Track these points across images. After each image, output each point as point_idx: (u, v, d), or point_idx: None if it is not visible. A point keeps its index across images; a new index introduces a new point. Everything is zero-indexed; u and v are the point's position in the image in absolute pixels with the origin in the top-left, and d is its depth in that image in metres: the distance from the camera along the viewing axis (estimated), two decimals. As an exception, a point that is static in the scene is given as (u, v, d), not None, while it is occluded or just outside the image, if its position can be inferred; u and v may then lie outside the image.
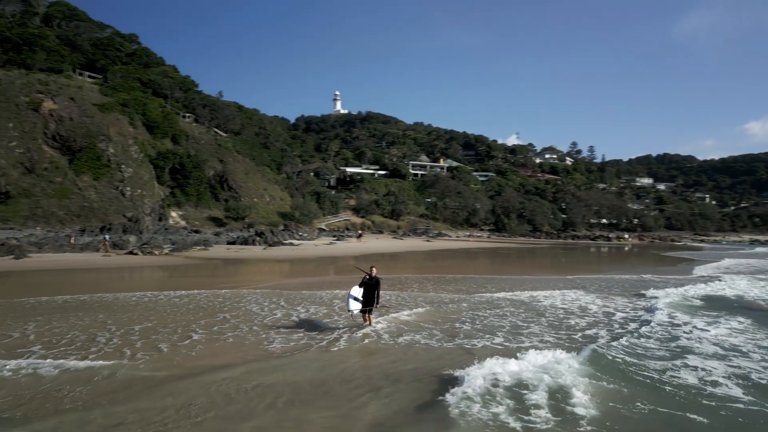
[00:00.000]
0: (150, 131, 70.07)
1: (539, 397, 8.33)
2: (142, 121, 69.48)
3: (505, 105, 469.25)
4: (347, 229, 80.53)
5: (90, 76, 71.83)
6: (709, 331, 14.08)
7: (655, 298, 19.72)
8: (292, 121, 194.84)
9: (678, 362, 10.67)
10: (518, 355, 10.20)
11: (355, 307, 13.45)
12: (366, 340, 12.63)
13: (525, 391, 8.53)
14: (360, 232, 64.89)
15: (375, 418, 7.78)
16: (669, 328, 14.43)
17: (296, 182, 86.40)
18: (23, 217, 51.82)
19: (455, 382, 9.03)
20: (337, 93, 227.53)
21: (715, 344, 12.52)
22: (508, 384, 8.80)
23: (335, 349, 11.85)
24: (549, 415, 7.74)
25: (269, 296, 19.73)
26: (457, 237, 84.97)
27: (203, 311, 16.58)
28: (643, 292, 21.81)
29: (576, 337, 13.49)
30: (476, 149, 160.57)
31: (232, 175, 73.72)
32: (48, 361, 10.44)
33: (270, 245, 50.05)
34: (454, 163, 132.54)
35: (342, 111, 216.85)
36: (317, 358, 11.15)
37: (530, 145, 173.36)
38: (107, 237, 49.23)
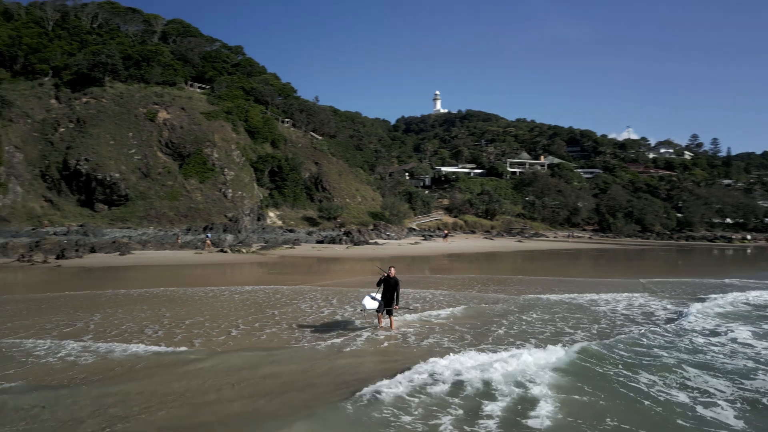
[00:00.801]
0: (251, 136, 74.35)
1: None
2: (244, 127, 73.94)
3: (616, 97, 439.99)
4: (438, 228, 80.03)
5: (199, 87, 77.76)
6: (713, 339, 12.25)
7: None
8: (393, 122, 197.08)
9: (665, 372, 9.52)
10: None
11: (371, 305, 13.16)
12: (386, 343, 12.28)
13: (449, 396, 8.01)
14: (446, 231, 64.11)
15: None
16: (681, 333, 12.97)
17: (388, 182, 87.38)
18: (139, 217, 57.22)
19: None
20: (437, 92, 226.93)
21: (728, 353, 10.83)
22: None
23: (348, 349, 11.65)
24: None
25: (326, 294, 20.01)
26: (555, 237, 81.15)
27: (255, 307, 17.16)
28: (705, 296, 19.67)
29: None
30: (582, 145, 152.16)
31: (326, 176, 76.19)
32: (78, 344, 11.33)
33: (354, 244, 51.03)
34: (556, 160, 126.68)
35: (442, 110, 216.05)
36: (310, 356, 11.01)
37: (643, 139, 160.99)
38: (209, 236, 53.06)
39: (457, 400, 8.08)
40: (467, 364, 9.33)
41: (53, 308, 16.35)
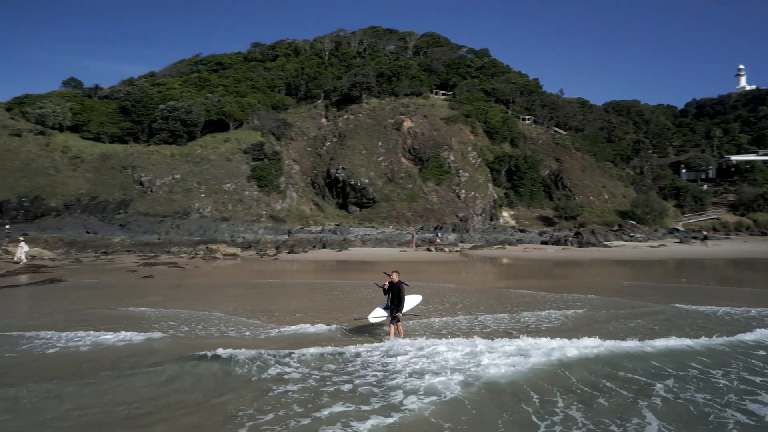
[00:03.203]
0: (490, 137, 75.28)
1: None
2: (483, 128, 75.33)
3: None
4: (714, 229, 67.66)
5: (443, 94, 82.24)
6: None
7: None
8: (681, 107, 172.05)
9: None
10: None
11: (375, 315, 12.84)
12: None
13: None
14: (705, 233, 53.62)
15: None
16: None
17: (647, 176, 77.46)
18: (382, 217, 63.92)
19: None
20: (741, 67, 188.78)
21: None
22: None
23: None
24: None
25: (462, 294, 19.95)
26: None
27: (369, 303, 18.35)
28: None
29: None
30: None
31: (567, 173, 72.11)
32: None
33: (580, 245, 47.43)
34: None
35: (747, 87, 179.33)
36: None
37: None
38: (439, 235, 56.27)
39: None
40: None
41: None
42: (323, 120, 77.88)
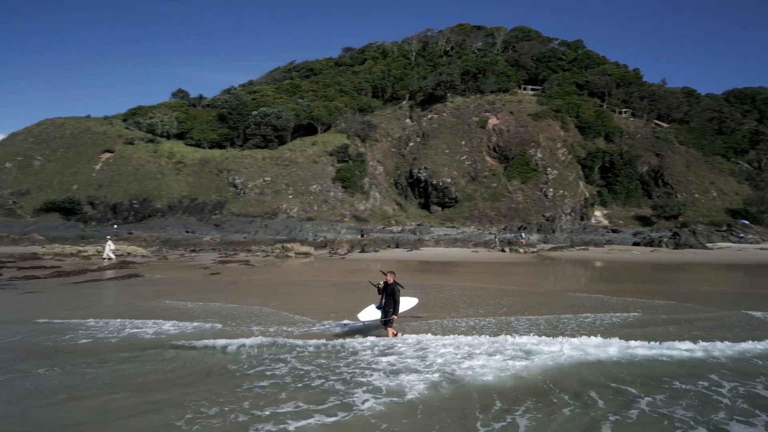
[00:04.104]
0: (582, 132, 71.51)
1: None
2: (574, 123, 71.71)
3: None
4: None
5: (531, 89, 79.30)
6: None
7: None
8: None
9: None
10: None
11: (365, 317, 12.49)
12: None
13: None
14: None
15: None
16: None
17: (765, 170, 69.37)
18: (464, 217, 62.93)
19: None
20: None
21: None
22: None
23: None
24: None
25: (512, 297, 19.20)
26: None
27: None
28: None
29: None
30: None
31: (668, 169, 66.57)
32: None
33: (677, 247, 43.60)
34: None
35: None
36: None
37: None
38: (523, 235, 54.43)
39: None
40: None
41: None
42: (407, 120, 78.20)
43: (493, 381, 8.24)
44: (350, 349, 10.55)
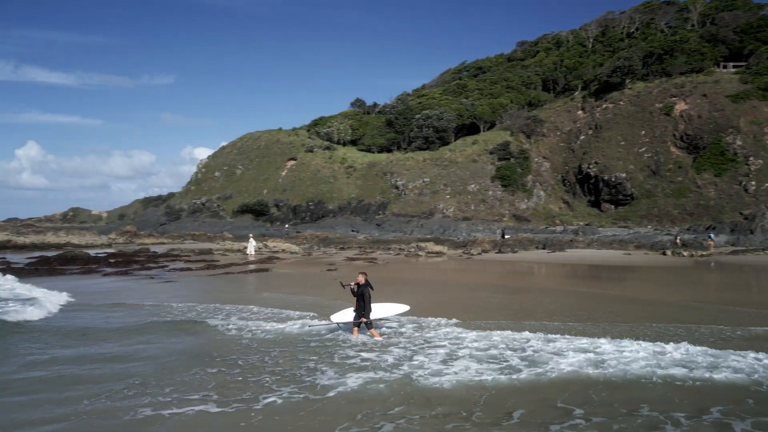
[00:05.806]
0: (802, 112, 58.62)
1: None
2: (791, 102, 59.12)
3: None
4: None
5: (734, 66, 67.43)
6: None
7: None
8: None
9: None
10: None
11: (338, 318, 11.61)
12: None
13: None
14: None
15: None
16: None
17: None
18: (639, 216, 56.28)
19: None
20: None
21: None
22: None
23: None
24: None
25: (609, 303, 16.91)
26: None
27: (476, 309, 17.06)
28: None
29: None
30: None
31: None
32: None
33: None
34: None
35: None
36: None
37: None
38: (711, 236, 46.94)
39: None
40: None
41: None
42: (579, 112, 72.57)
43: (437, 386, 7.44)
44: (350, 343, 10.42)
